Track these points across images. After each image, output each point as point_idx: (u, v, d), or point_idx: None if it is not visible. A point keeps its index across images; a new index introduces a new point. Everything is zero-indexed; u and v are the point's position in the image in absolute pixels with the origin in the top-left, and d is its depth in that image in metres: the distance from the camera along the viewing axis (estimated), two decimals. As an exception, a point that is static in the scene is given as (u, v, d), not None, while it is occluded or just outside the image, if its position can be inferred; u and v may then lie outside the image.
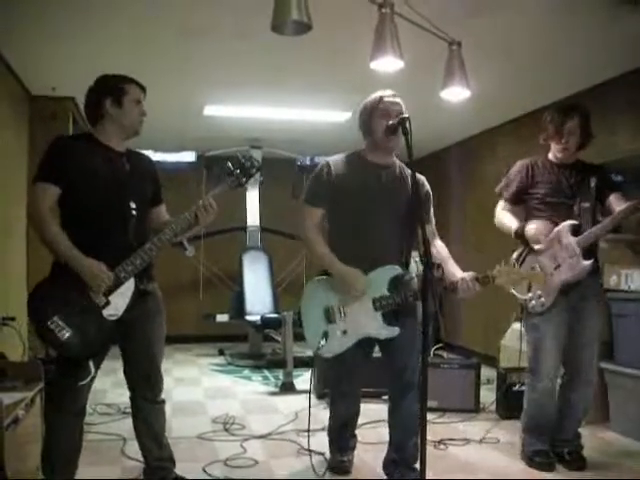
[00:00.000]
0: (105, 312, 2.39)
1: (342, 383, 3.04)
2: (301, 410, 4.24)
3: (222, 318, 6.69)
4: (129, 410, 2.76)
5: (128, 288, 2.44)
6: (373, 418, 3.80)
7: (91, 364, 2.46)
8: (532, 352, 3.22)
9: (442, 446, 3.53)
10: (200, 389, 5.12)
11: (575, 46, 3.73)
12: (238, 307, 6.48)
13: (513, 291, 3.24)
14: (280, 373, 5.25)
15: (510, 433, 3.72)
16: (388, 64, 2.74)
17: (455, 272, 2.77)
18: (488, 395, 4.42)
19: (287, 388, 4.96)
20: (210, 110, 5.40)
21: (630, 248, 4.00)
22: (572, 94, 4.59)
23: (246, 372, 5.86)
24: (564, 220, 3.10)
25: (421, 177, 2.89)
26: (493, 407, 4.24)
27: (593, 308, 3.18)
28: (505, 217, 3.30)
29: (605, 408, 3.85)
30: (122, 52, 3.85)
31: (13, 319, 3.67)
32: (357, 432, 3.20)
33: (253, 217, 7.02)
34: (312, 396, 4.62)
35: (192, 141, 6.91)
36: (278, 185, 6.97)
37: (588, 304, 3.16)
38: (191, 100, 5.13)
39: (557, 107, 3.28)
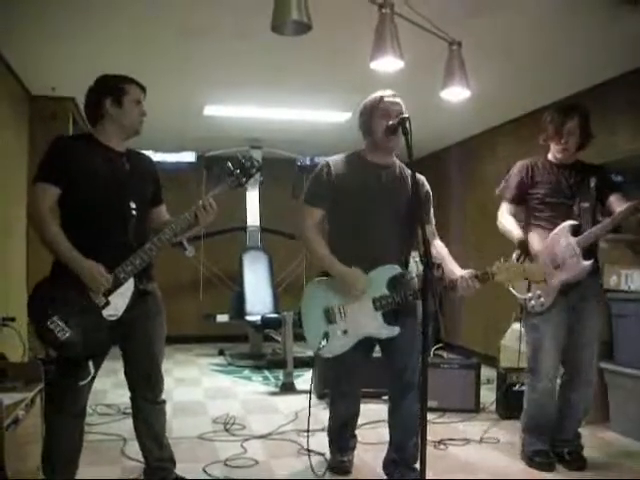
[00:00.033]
0: (105, 312, 2.39)
1: (342, 383, 3.04)
2: (301, 410, 4.24)
3: (222, 318, 6.68)
4: (129, 410, 2.76)
5: (128, 288, 2.44)
6: (373, 418, 3.80)
7: (91, 364, 2.46)
8: (531, 352, 3.22)
9: (442, 446, 3.53)
10: (200, 389, 5.12)
11: (575, 46, 3.74)
12: (238, 307, 6.48)
13: (513, 291, 3.24)
14: (280, 373, 5.25)
15: (510, 433, 3.72)
16: (388, 64, 2.74)
17: (454, 270, 2.77)
18: (488, 395, 4.42)
19: (287, 388, 4.96)
20: (210, 110, 5.40)
21: (630, 248, 4.00)
22: (572, 94, 4.59)
23: (246, 372, 5.86)
24: (564, 220, 3.10)
25: (421, 177, 2.89)
26: (493, 407, 4.24)
27: (593, 308, 3.18)
28: (508, 223, 3.25)
29: (605, 408, 3.85)
30: (122, 52, 3.85)
31: (13, 319, 3.67)
32: (357, 432, 3.20)
33: (253, 217, 7.01)
34: (312, 396, 4.65)
35: (192, 141, 6.91)
36: (278, 185, 6.97)
37: (588, 304, 3.16)
38: (191, 100, 5.13)
39: (557, 107, 3.28)
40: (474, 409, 4.21)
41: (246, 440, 3.62)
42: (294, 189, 6.52)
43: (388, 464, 2.94)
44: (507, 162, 3.54)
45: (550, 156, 3.27)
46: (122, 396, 3.41)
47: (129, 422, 2.81)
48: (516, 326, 4.16)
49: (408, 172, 2.84)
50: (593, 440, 3.57)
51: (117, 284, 2.41)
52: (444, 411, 4.14)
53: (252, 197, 7.01)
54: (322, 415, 3.29)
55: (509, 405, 4.04)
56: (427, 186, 2.95)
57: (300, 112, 5.54)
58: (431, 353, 5.25)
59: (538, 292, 3.14)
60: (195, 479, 2.94)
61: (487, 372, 4.86)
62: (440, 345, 5.93)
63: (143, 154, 2.74)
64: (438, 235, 2.99)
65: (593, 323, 3.18)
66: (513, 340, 4.27)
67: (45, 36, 3.62)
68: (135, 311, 2.47)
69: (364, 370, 3.02)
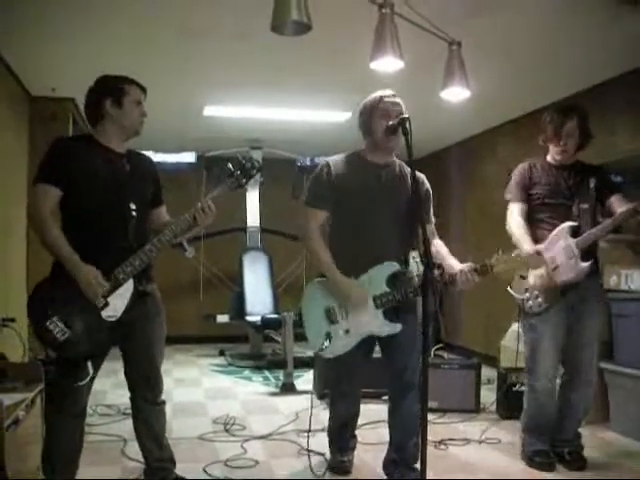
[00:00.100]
0: (104, 313, 2.39)
1: (342, 383, 3.04)
2: (301, 410, 4.24)
3: (222, 319, 6.68)
4: (129, 411, 2.76)
5: (127, 289, 2.44)
6: (373, 418, 3.79)
7: (90, 365, 2.46)
8: (529, 352, 3.22)
9: (442, 446, 3.53)
10: (201, 390, 5.12)
11: (575, 46, 3.74)
12: (238, 308, 6.48)
13: (511, 291, 3.24)
14: (280, 374, 5.25)
15: (510, 433, 3.72)
16: (388, 64, 2.74)
17: (453, 265, 2.76)
18: (488, 395, 4.42)
19: (287, 389, 4.96)
20: (210, 111, 5.41)
21: (630, 248, 4.00)
22: (572, 94, 4.59)
23: (246, 373, 5.86)
24: (563, 221, 3.09)
25: (421, 175, 2.89)
26: (493, 407, 4.24)
27: (593, 308, 3.18)
28: (519, 230, 3.15)
29: (605, 408, 3.85)
30: (122, 52, 3.85)
31: (13, 320, 3.67)
32: (357, 432, 3.20)
33: (253, 218, 7.01)
34: (312, 396, 4.64)
35: (192, 142, 6.91)
36: (278, 186, 6.97)
37: (588, 305, 3.15)
38: (191, 100, 5.13)
39: (555, 108, 3.27)
40: (474, 409, 4.21)
41: (246, 440, 3.62)
42: (294, 189, 6.52)
43: (388, 464, 2.94)
44: (507, 162, 3.54)
45: (549, 157, 3.26)
46: (122, 397, 3.41)
47: (129, 422, 2.81)
48: (516, 326, 4.16)
49: (408, 170, 2.84)
50: (593, 440, 3.57)
51: (116, 285, 2.40)
52: (444, 411, 4.13)
53: (252, 197, 7.01)
54: (322, 415, 3.29)
55: (509, 405, 4.03)
56: (427, 184, 2.95)
57: (300, 112, 5.54)
58: (431, 353, 5.25)
59: (536, 292, 3.13)
60: (195, 479, 2.94)
61: (487, 372, 4.86)
62: (440, 345, 5.93)
63: (143, 155, 2.74)
64: (438, 235, 2.98)
65: (593, 323, 3.18)
66: (513, 340, 4.26)
67: (45, 37, 3.62)
68: (134, 312, 2.47)
69: (364, 370, 3.02)
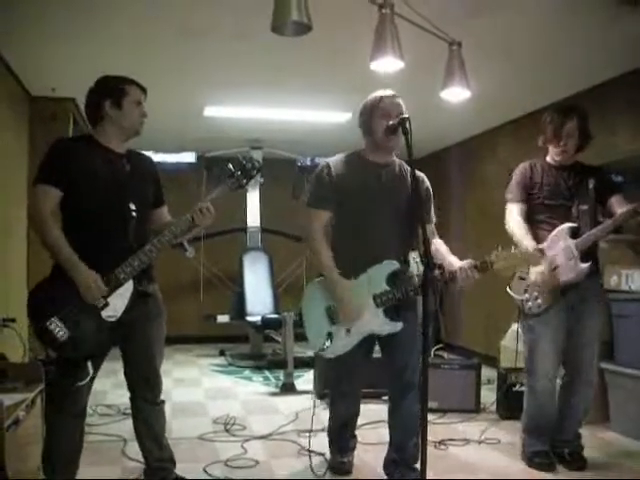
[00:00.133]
0: (104, 313, 2.39)
1: (342, 383, 3.04)
2: (302, 410, 4.24)
3: (223, 319, 6.69)
4: (129, 411, 2.76)
5: (127, 289, 2.44)
6: (373, 418, 3.79)
7: (89, 365, 2.46)
8: (528, 353, 3.22)
9: (442, 446, 3.53)
10: (201, 390, 5.12)
11: (575, 46, 3.74)
12: (239, 308, 6.48)
13: (510, 292, 3.23)
14: (281, 374, 5.25)
15: (511, 433, 3.72)
16: (388, 64, 2.73)
17: (453, 262, 2.75)
18: (489, 395, 4.42)
19: (288, 389, 4.96)
20: (210, 111, 5.41)
21: (631, 248, 3.99)
22: (572, 94, 4.59)
23: (247, 373, 5.86)
24: (562, 222, 3.09)
25: (421, 174, 2.89)
26: (494, 407, 4.24)
27: (593, 309, 3.18)
28: (519, 230, 3.14)
29: (605, 408, 3.85)
30: (122, 52, 3.85)
31: (13, 320, 3.68)
32: (357, 433, 3.20)
33: (253, 218, 7.02)
34: (312, 396, 4.64)
35: (192, 142, 6.91)
36: (278, 186, 6.98)
37: (587, 305, 3.15)
38: (191, 101, 5.13)
39: (555, 109, 3.26)
40: (474, 409, 4.21)
41: (246, 440, 3.62)
42: (294, 189, 6.53)
43: (388, 464, 2.94)
44: (507, 163, 3.54)
45: (549, 158, 3.26)
46: (122, 397, 3.41)
47: (129, 423, 2.82)
48: (516, 326, 4.16)
49: (408, 169, 2.84)
50: (593, 440, 3.57)
51: (116, 285, 2.40)
52: (444, 411, 4.13)
53: (253, 198, 7.01)
54: (322, 415, 3.30)
55: (509, 405, 4.03)
56: (427, 183, 2.95)
57: (300, 112, 5.54)
58: (431, 353, 5.25)
59: (535, 293, 3.13)
60: (195, 479, 2.94)
61: (487, 372, 4.85)
62: (440, 345, 5.94)
63: (144, 155, 2.74)
64: (438, 235, 2.98)
65: (593, 323, 3.17)
66: (513, 340, 4.26)
67: (45, 37, 3.62)
68: (135, 312, 2.47)
69: (364, 370, 3.02)
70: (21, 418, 2.70)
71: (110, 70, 2.59)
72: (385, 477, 2.95)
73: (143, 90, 2.58)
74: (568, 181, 3.18)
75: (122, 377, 2.69)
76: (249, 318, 6.24)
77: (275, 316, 5.93)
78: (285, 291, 6.88)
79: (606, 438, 3.70)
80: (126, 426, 3.45)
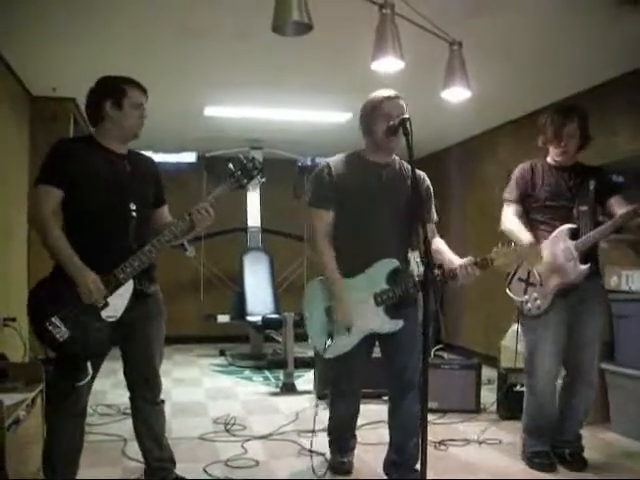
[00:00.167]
0: (104, 313, 2.39)
1: (342, 383, 3.03)
2: (302, 411, 4.25)
3: (223, 319, 6.69)
4: (129, 411, 2.76)
5: (127, 290, 2.44)
6: (373, 419, 3.79)
7: (89, 365, 2.46)
8: (529, 354, 3.21)
9: (443, 447, 3.52)
10: (201, 390, 5.12)
11: (575, 46, 3.73)
12: (239, 308, 6.48)
13: (510, 293, 3.23)
14: (281, 374, 5.25)
15: (511, 434, 3.72)
16: (389, 65, 2.73)
17: (453, 260, 2.75)
18: (489, 396, 4.42)
19: (288, 389, 4.96)
20: (210, 111, 5.41)
21: (631, 249, 3.99)
22: (572, 95, 4.59)
23: (247, 373, 5.86)
24: (563, 223, 3.09)
25: (421, 173, 2.88)
26: (494, 408, 4.23)
27: (594, 309, 3.17)
28: (516, 226, 3.17)
29: (606, 409, 3.85)
30: (122, 52, 3.85)
31: (14, 320, 3.68)
32: (357, 433, 3.20)
33: (254, 218, 7.02)
34: (313, 396, 4.64)
35: (192, 142, 6.91)
36: (279, 186, 6.96)
37: (588, 306, 3.14)
38: (191, 101, 5.14)
39: (555, 109, 3.25)
40: (475, 410, 4.20)
41: (247, 440, 3.62)
42: (295, 190, 6.52)
43: (388, 465, 2.94)
44: (507, 163, 3.54)
45: (549, 159, 3.25)
46: (122, 396, 3.41)
47: (129, 422, 2.81)
48: (516, 326, 4.16)
49: (408, 168, 2.83)
50: (594, 441, 3.56)
51: (116, 285, 2.40)
52: (444, 412, 4.13)
53: (253, 198, 7.02)
54: (322, 415, 3.30)
55: (510, 406, 4.03)
56: (427, 181, 2.94)
57: (301, 112, 5.54)
58: (431, 354, 5.25)
59: (535, 295, 3.13)
60: (195, 479, 2.94)
61: (488, 372, 4.85)
62: (441, 346, 5.94)
63: (144, 155, 2.74)
64: (438, 235, 2.98)
65: (594, 323, 3.17)
66: (513, 340, 4.27)
67: (45, 37, 3.63)
68: (135, 312, 2.47)
69: (364, 370, 3.01)
70: (21, 418, 2.70)
71: (110, 70, 2.59)
72: (385, 477, 2.95)
73: (144, 91, 2.57)
74: (569, 182, 3.17)
75: (122, 377, 2.69)
76: (249, 318, 6.24)
77: (275, 316, 5.93)
78: (285, 291, 6.88)
79: (606, 439, 3.70)
80: (126, 426, 3.45)
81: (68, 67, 4.16)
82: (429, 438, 2.22)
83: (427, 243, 2.28)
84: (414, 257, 2.91)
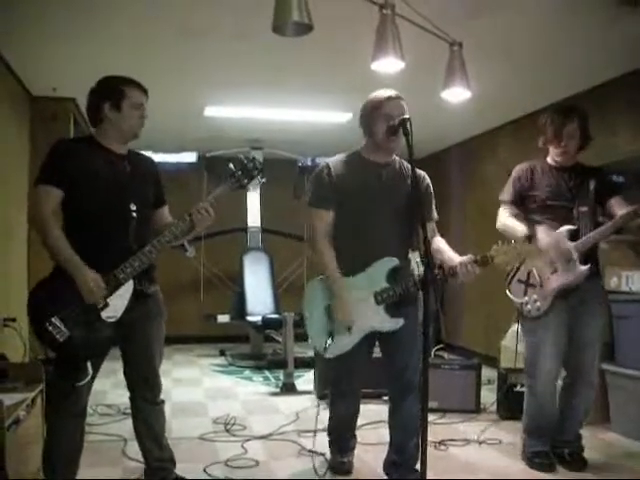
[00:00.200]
0: (104, 314, 2.39)
1: (342, 383, 3.03)
2: (302, 411, 4.25)
3: (223, 319, 6.69)
4: (129, 411, 2.76)
5: (126, 290, 2.43)
6: (373, 419, 3.80)
7: (89, 365, 2.46)
8: (529, 355, 3.21)
9: (443, 447, 3.52)
10: (201, 390, 5.12)
11: (575, 46, 3.74)
12: (239, 308, 6.48)
13: (509, 295, 3.23)
14: (281, 374, 5.25)
15: (511, 434, 3.71)
16: (389, 65, 2.73)
17: (453, 257, 2.74)
18: (489, 396, 4.42)
19: (288, 389, 4.96)
20: (210, 111, 5.41)
21: (631, 249, 3.99)
22: (572, 95, 4.59)
23: (247, 373, 5.87)
24: (563, 224, 3.08)
25: (421, 172, 2.88)
26: (494, 408, 4.23)
27: (594, 310, 3.17)
28: (510, 220, 3.22)
29: (606, 409, 3.85)
30: (122, 52, 3.86)
31: (14, 320, 3.68)
32: (357, 433, 3.20)
33: (254, 218, 7.02)
34: (313, 397, 4.65)
35: (193, 142, 6.91)
36: (279, 186, 6.96)
37: (588, 307, 3.14)
38: (191, 101, 5.14)
39: (555, 110, 3.25)
40: (475, 410, 4.20)
41: (247, 441, 3.62)
42: (295, 190, 6.52)
43: (388, 465, 2.94)
44: (507, 163, 3.54)
45: (549, 159, 3.25)
46: (122, 396, 3.41)
47: (129, 422, 2.81)
48: (516, 327, 4.16)
49: (409, 167, 2.83)
50: (594, 441, 3.56)
51: (116, 286, 2.40)
52: (445, 412, 4.13)
53: (253, 198, 7.02)
54: (322, 415, 3.29)
55: (510, 406, 4.03)
56: (427, 180, 2.93)
57: (301, 113, 5.54)
58: (432, 354, 5.25)
59: (534, 296, 3.13)
60: (196, 479, 2.94)
61: (488, 373, 4.85)
62: (441, 346, 5.94)
63: (145, 155, 2.74)
64: (439, 234, 2.97)
65: (594, 324, 3.17)
66: (513, 341, 4.27)
67: (45, 37, 3.63)
68: (135, 313, 2.47)
69: (364, 370, 3.01)
70: (21, 418, 2.70)
71: (110, 70, 2.59)
72: (385, 477, 2.95)
73: (144, 92, 2.56)
74: (569, 182, 3.17)
75: (122, 377, 2.69)
76: (249, 318, 6.25)
77: (275, 316, 5.93)
78: (285, 291, 6.88)
79: (606, 439, 3.70)
80: (126, 426, 3.45)
81: (68, 67, 4.16)
82: (429, 438, 2.22)
83: (427, 243, 2.28)
84: (414, 257, 2.91)
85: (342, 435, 3.12)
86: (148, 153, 2.80)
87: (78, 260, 2.35)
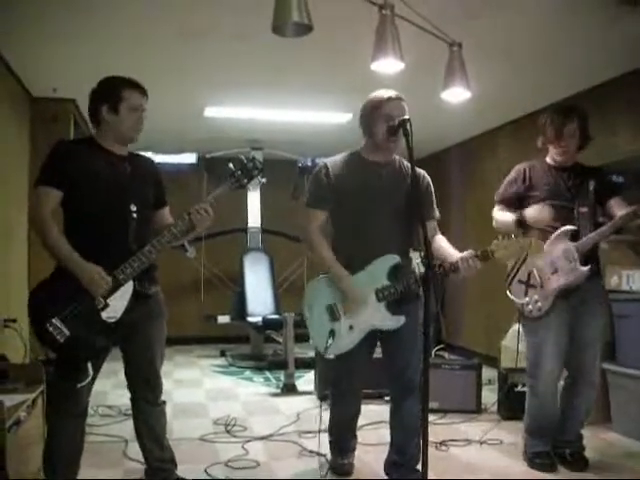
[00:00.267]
0: (104, 314, 2.38)
1: (343, 383, 3.03)
2: (303, 411, 4.24)
3: (223, 319, 6.69)
4: (130, 412, 2.76)
5: (126, 291, 2.43)
6: (374, 419, 3.79)
7: (89, 366, 2.46)
8: (531, 357, 3.21)
9: (444, 447, 3.52)
10: (202, 390, 5.12)
11: (575, 46, 3.73)
12: (239, 308, 6.48)
13: (510, 295, 3.22)
14: (281, 374, 5.24)
15: (512, 434, 3.71)
16: (389, 65, 2.73)
17: (454, 254, 2.74)
18: (490, 396, 4.42)
19: (288, 389, 4.96)
20: (210, 111, 5.41)
21: (631, 249, 3.99)
22: (572, 95, 4.59)
23: (247, 373, 5.86)
24: (563, 224, 3.08)
25: (421, 171, 2.88)
26: (494, 408, 4.23)
27: (595, 310, 3.17)
28: (500, 214, 3.26)
29: (607, 409, 3.85)
30: (122, 52, 3.86)
31: (14, 321, 3.68)
32: (358, 433, 3.19)
33: (254, 218, 7.02)
34: (313, 397, 4.65)
35: (192, 143, 6.91)
36: (279, 186, 6.96)
37: (589, 307, 3.14)
38: (191, 101, 5.13)
39: (554, 110, 3.24)
40: (475, 410, 4.20)
41: (247, 441, 3.61)
42: (295, 190, 6.52)
43: (389, 466, 2.94)
44: (507, 163, 3.53)
45: (548, 159, 3.25)
46: (123, 397, 3.41)
47: (130, 423, 2.81)
48: (517, 326, 4.16)
49: (408, 166, 2.82)
50: (595, 441, 3.56)
51: (116, 286, 2.40)
52: (445, 412, 4.13)
53: (253, 198, 7.02)
54: (323, 416, 3.29)
55: (511, 406, 4.02)
56: (427, 179, 2.93)
57: (301, 113, 5.54)
58: (432, 354, 5.24)
59: (535, 297, 3.12)
60: (196, 480, 2.95)
61: (488, 373, 4.85)
62: (441, 346, 5.93)
63: (145, 156, 2.74)
64: (440, 232, 2.96)
65: (595, 324, 3.16)
66: (514, 340, 4.27)
67: (45, 37, 3.62)
68: (135, 313, 2.47)
69: (365, 370, 3.01)
70: (22, 419, 2.70)
71: (110, 70, 2.58)
72: (386, 478, 2.94)
73: (143, 93, 2.55)
74: (568, 182, 3.16)
75: (123, 377, 2.69)
76: (250, 319, 6.24)
77: (276, 317, 5.93)
78: (286, 292, 6.88)
79: (607, 439, 3.70)
80: (127, 427, 3.45)
81: (68, 67, 4.16)
82: (430, 439, 2.22)
83: (427, 243, 2.28)
84: (415, 257, 2.91)
85: (343, 436, 3.12)
86: (148, 154, 2.80)
87: (78, 257, 2.35)
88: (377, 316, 2.75)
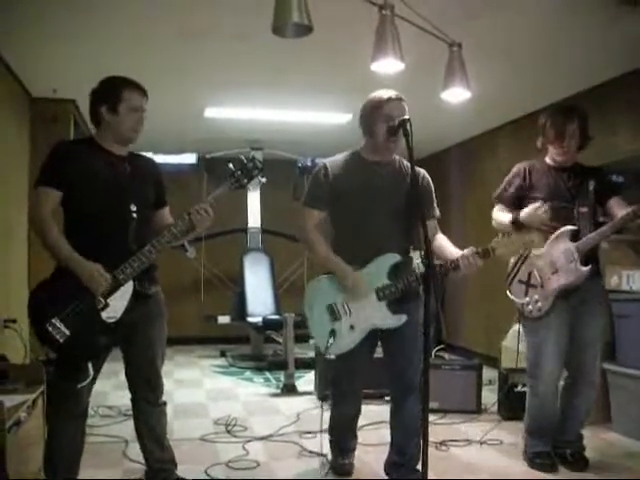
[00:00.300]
0: (104, 314, 2.38)
1: (343, 383, 3.02)
2: (303, 412, 4.24)
3: (223, 320, 6.69)
4: (131, 412, 2.76)
5: (126, 291, 2.43)
6: (374, 419, 3.79)
7: (90, 366, 2.46)
8: (531, 357, 3.21)
9: (444, 447, 3.52)
10: (202, 391, 5.12)
11: (575, 46, 3.73)
12: (239, 309, 6.48)
13: (510, 295, 3.22)
14: (282, 375, 5.24)
15: (512, 434, 3.71)
16: (389, 66, 2.73)
17: (455, 252, 2.74)
18: (490, 396, 4.42)
19: (289, 390, 4.96)
20: (211, 112, 5.41)
21: (632, 249, 3.99)
22: (572, 95, 4.59)
23: (248, 374, 5.86)
24: (563, 224, 3.08)
25: (421, 170, 2.87)
26: (495, 408, 4.23)
27: (595, 310, 3.16)
28: (497, 214, 3.27)
29: (607, 409, 3.85)
30: (122, 52, 3.86)
31: (14, 321, 3.68)
32: (358, 433, 3.19)
33: (254, 218, 7.02)
34: (314, 397, 4.65)
35: (193, 143, 6.91)
36: (279, 186, 6.97)
37: (589, 307, 3.14)
38: (191, 102, 5.13)
39: (554, 110, 3.24)
40: (476, 410, 4.20)
41: (248, 442, 3.61)
42: (295, 190, 6.52)
43: (390, 466, 2.94)
44: (507, 163, 3.53)
45: (548, 159, 3.24)
46: (123, 398, 3.42)
47: (130, 424, 2.81)
48: (517, 327, 4.16)
49: (408, 165, 2.81)
50: (595, 441, 3.56)
51: (116, 286, 2.40)
52: (445, 412, 4.13)
53: (253, 198, 7.03)
54: (323, 416, 3.29)
55: (511, 406, 4.02)
56: (427, 178, 2.93)
57: (301, 113, 5.54)
58: (432, 354, 5.24)
59: (535, 297, 3.12)
60: (197, 480, 2.95)
61: (489, 373, 4.84)
62: (441, 346, 5.93)
63: (145, 157, 2.74)
64: (440, 232, 2.96)
65: (595, 324, 3.16)
66: (514, 341, 4.27)
67: (45, 37, 3.62)
68: (135, 313, 2.47)
69: (366, 370, 3.01)
70: (22, 419, 2.70)
71: (110, 70, 2.58)
72: (386, 478, 2.94)
73: (143, 93, 2.55)
74: (568, 182, 3.16)
75: (123, 378, 2.69)
76: (250, 319, 6.24)
77: (276, 317, 5.93)
78: (286, 292, 6.88)
79: (608, 439, 3.69)
80: (127, 427, 3.45)
81: (68, 67, 4.15)
82: (430, 439, 2.22)
83: (427, 243, 2.28)
84: (416, 257, 2.90)
85: (343, 436, 3.12)
86: (148, 154, 2.80)
87: (78, 256, 2.35)
88: (378, 315, 2.74)
